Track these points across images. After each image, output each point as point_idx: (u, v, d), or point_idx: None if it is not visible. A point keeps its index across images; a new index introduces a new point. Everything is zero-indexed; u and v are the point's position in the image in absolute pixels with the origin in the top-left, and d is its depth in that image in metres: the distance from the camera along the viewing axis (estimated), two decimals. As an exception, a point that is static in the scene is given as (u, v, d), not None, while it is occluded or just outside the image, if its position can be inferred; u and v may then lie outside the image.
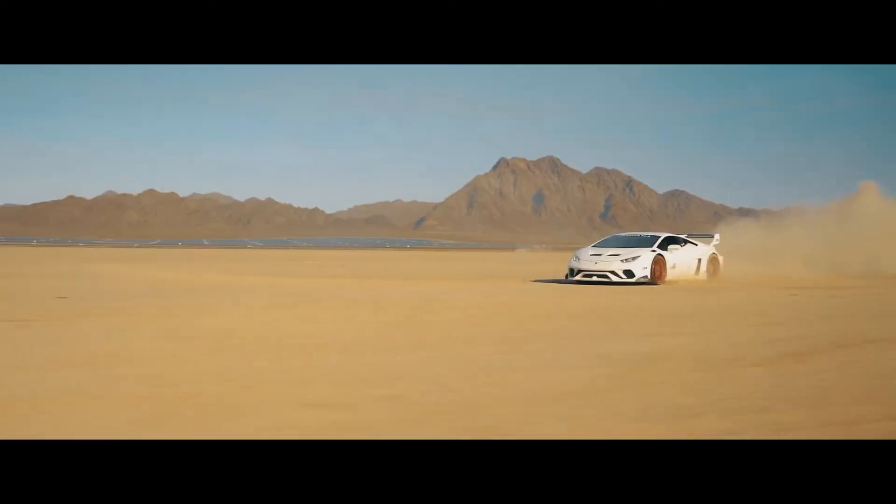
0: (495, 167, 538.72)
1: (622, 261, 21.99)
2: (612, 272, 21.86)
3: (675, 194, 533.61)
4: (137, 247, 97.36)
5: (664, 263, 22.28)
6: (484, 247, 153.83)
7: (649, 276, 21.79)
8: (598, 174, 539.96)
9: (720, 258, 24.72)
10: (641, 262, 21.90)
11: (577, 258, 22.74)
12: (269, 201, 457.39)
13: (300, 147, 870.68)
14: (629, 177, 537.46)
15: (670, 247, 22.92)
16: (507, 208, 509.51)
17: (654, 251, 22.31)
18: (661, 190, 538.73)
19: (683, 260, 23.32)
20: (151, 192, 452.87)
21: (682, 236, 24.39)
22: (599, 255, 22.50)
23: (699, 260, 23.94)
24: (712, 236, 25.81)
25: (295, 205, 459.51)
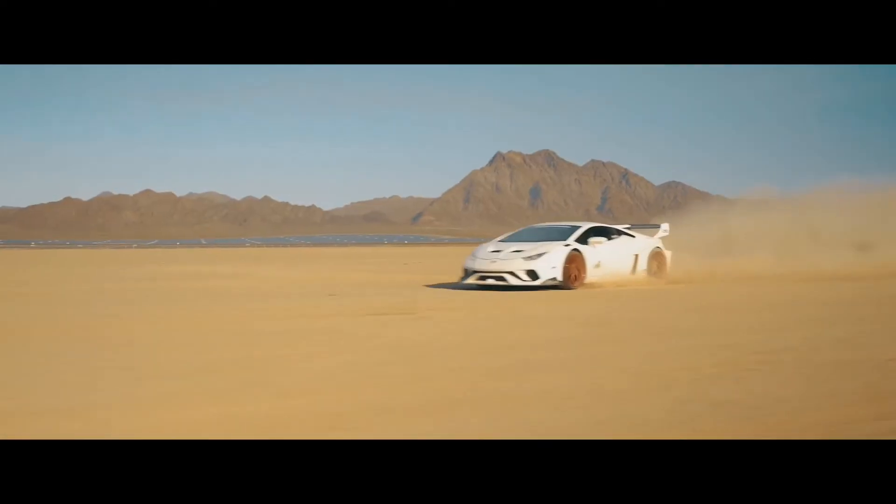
0: (491, 161, 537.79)
1: (525, 258, 17.58)
2: (512, 273, 17.44)
3: (671, 185, 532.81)
4: (136, 247, 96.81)
5: (582, 261, 17.86)
6: (481, 241, 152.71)
7: (560, 278, 17.39)
8: (595, 167, 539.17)
9: (666, 253, 20.11)
10: (549, 259, 17.45)
11: (474, 256, 18.40)
12: (266, 199, 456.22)
13: (296, 145, 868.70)
14: (625, 169, 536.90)
15: (592, 240, 18.40)
16: (504, 202, 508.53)
17: (567, 245, 17.86)
18: (657, 181, 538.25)
19: (613, 256, 18.77)
20: (148, 192, 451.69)
21: (616, 227, 19.95)
22: (500, 251, 18.16)
23: (636, 256, 19.40)
24: (658, 226, 21.10)
25: (292, 202, 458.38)
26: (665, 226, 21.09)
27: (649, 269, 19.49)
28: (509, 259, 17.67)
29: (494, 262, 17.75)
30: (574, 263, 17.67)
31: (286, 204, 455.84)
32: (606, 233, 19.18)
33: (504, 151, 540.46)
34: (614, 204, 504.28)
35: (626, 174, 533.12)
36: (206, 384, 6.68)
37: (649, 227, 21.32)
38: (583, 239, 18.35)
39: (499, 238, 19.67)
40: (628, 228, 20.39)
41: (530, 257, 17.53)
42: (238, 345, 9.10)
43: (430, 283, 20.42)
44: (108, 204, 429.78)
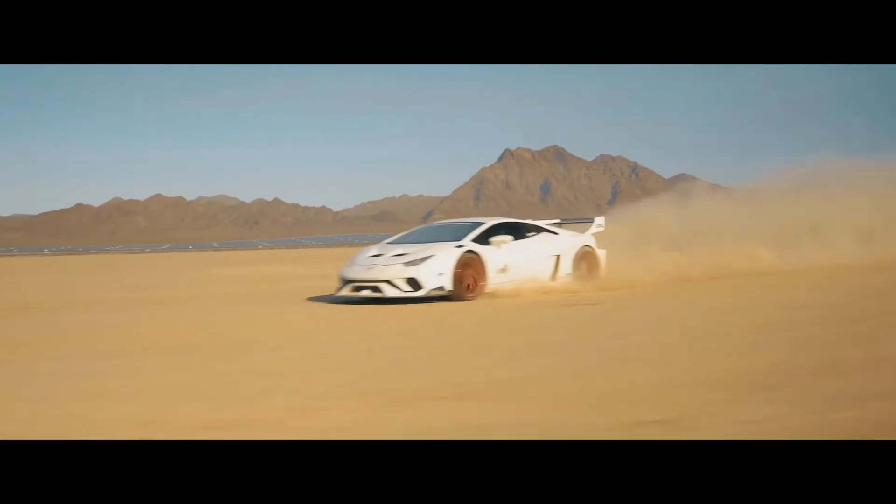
0: (500, 158, 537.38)
1: (406, 264, 14.25)
2: (389, 282, 14.13)
3: (681, 178, 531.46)
4: (150, 252, 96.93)
5: (481, 265, 14.63)
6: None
7: (449, 287, 14.17)
8: (604, 161, 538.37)
9: (599, 252, 16.85)
10: (435, 264, 14.19)
11: (352, 262, 15.06)
12: (276, 201, 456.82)
13: (305, 146, 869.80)
14: (634, 163, 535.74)
15: (494, 239, 15.16)
16: (514, 199, 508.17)
17: (460, 247, 14.57)
18: (667, 174, 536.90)
19: (524, 258, 15.56)
20: (158, 196, 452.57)
21: (535, 222, 16.80)
22: (381, 255, 14.89)
23: (557, 257, 16.12)
24: (591, 220, 17.85)
25: (302, 204, 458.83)
26: (600, 220, 17.95)
27: (576, 273, 16.22)
28: (388, 265, 14.41)
29: (371, 268, 14.47)
30: (469, 268, 14.46)
31: (296, 206, 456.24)
32: (519, 230, 16.04)
33: (513, 148, 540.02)
34: (624, 197, 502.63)
35: (635, 168, 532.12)
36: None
37: (582, 220, 18.27)
38: (483, 238, 15.12)
39: (388, 239, 16.35)
40: (556, 224, 17.56)
41: (412, 262, 14.25)
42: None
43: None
44: (119, 209, 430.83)
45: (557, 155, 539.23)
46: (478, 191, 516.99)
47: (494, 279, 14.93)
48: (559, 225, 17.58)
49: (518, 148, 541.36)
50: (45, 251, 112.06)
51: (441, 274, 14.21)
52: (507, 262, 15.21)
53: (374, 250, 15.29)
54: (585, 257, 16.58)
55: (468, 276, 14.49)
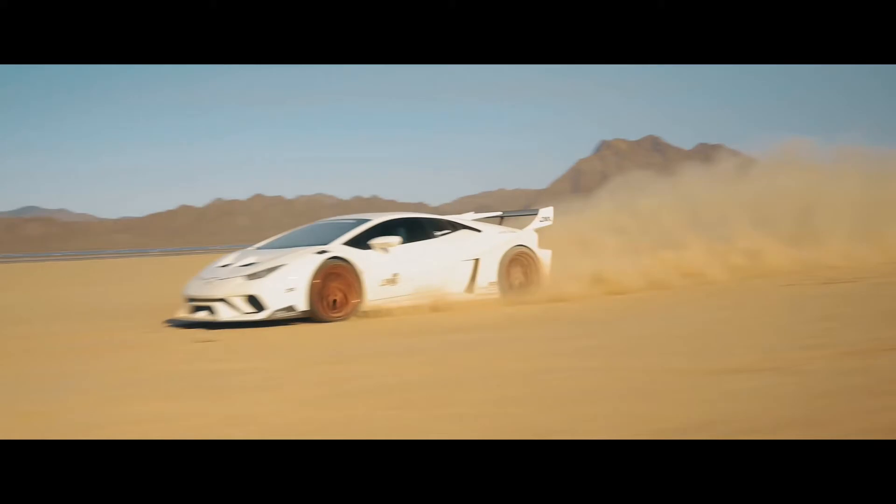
0: (597, 150, 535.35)
1: (247, 277, 11.14)
2: (224, 301, 11.05)
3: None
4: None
5: (354, 275, 11.36)
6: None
7: (303, 306, 11.00)
8: (703, 150, 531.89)
9: (540, 255, 13.18)
10: (283, 277, 11.03)
11: (199, 275, 11.91)
12: (374, 198, 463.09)
13: (400, 142, 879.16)
14: (735, 150, 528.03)
15: (377, 241, 11.77)
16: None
17: (322, 252, 11.31)
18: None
19: (426, 264, 12.18)
20: (259, 196, 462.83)
21: (445, 218, 13.29)
22: (229, 265, 11.72)
23: (475, 262, 12.64)
24: (535, 212, 14.08)
25: (399, 199, 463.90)
26: (546, 212, 13.97)
27: (505, 281, 12.79)
28: (228, 278, 11.28)
29: (210, 283, 11.39)
30: (336, 280, 11.28)
31: (394, 201, 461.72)
32: (422, 228, 12.67)
33: (609, 139, 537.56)
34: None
35: (735, 156, 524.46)
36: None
37: (522, 213, 14.74)
38: (362, 240, 11.81)
39: (259, 244, 12.94)
40: (496, 218, 14.44)
41: (255, 275, 11.12)
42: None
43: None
44: (222, 210, 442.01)
45: (655, 145, 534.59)
46: (575, 183, 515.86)
47: (378, 293, 11.64)
48: (500, 220, 14.46)
49: (614, 139, 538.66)
50: (154, 252, 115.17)
51: (292, 289, 11.01)
52: (399, 269, 11.90)
53: (229, 258, 12.12)
54: (519, 261, 13.02)
55: (333, 290, 11.27)
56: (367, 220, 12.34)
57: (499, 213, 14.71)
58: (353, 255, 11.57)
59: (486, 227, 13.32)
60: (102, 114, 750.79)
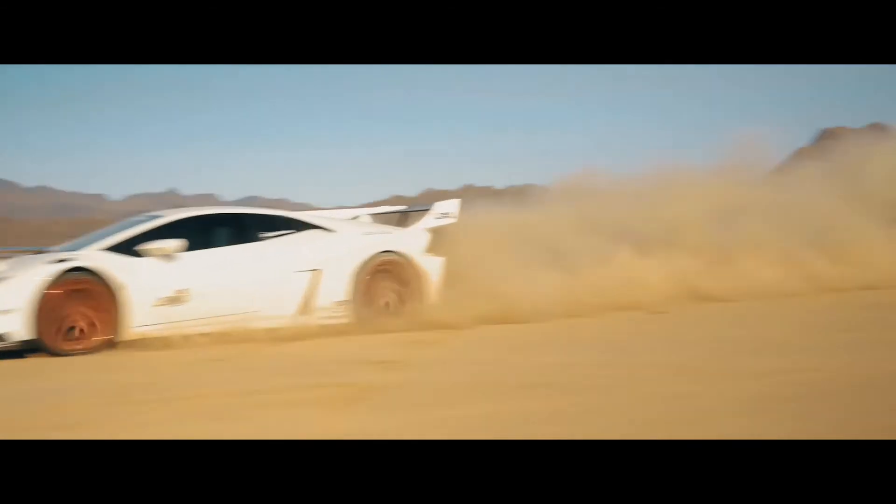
0: (817, 139, 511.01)
1: None
2: None
3: None
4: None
5: (108, 294, 8.67)
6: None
7: (28, 333, 8.44)
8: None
9: (418, 264, 9.87)
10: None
11: None
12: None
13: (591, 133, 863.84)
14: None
15: (151, 247, 8.96)
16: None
17: (60, 261, 8.68)
18: None
19: (233, 277, 9.27)
20: (469, 187, 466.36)
21: (282, 214, 10.40)
22: None
23: (317, 273, 9.56)
24: (427, 208, 10.63)
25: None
26: (446, 206, 10.56)
27: (363, 300, 9.66)
28: None
29: None
30: (82, 301, 8.63)
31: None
32: (240, 227, 9.73)
33: (830, 127, 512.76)
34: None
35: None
36: None
37: (414, 210, 11.25)
38: (126, 246, 9.04)
39: (67, 243, 10.13)
40: (384, 213, 11.33)
41: None
42: None
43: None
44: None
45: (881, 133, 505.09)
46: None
47: (150, 316, 8.86)
48: (401, 218, 11.24)
49: (836, 126, 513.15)
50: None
51: (10, 311, 8.44)
52: (189, 284, 9.05)
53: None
54: (389, 273, 9.84)
55: (76, 313, 8.62)
56: (157, 217, 9.64)
57: (386, 209, 11.72)
58: (113, 264, 8.84)
59: (345, 227, 10.18)
60: (324, 111, 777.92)
